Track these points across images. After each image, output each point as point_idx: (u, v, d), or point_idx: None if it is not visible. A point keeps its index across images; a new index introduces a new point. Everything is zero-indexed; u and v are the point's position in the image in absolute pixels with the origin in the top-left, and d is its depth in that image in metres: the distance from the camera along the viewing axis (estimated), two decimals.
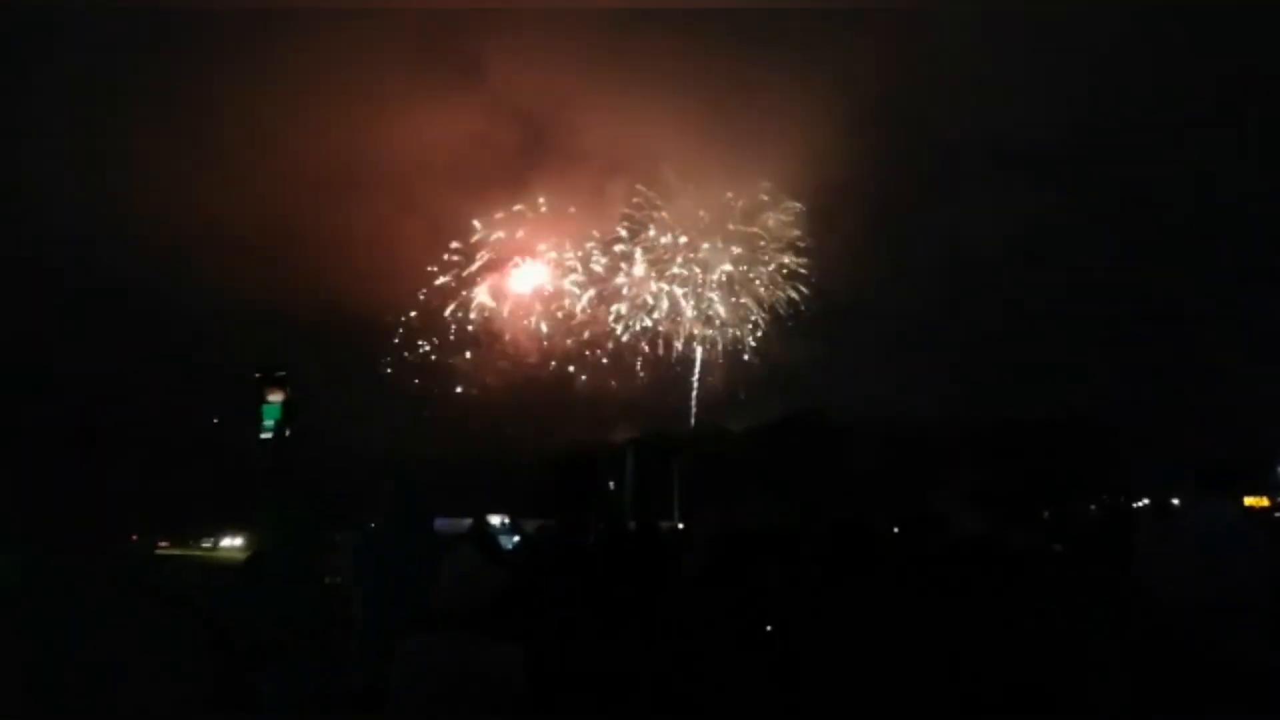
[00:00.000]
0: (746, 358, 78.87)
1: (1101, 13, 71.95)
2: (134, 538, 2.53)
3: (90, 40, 68.03)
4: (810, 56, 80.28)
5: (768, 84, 78.80)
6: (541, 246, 78.13)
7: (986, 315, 73.73)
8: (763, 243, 77.39)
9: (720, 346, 78.94)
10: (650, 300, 78.48)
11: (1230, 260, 68.90)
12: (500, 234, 77.00)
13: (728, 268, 77.95)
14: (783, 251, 77.29)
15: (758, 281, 77.95)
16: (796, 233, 76.62)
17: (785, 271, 77.51)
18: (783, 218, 76.38)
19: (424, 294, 77.32)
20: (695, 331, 78.63)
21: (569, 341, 78.92)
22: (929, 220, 79.77)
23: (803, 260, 77.13)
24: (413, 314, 76.98)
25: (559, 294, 78.72)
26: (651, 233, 78.08)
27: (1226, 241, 69.24)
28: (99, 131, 69.94)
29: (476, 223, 76.27)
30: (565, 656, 3.32)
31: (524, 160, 79.11)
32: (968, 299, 76.42)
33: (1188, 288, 69.26)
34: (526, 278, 78.46)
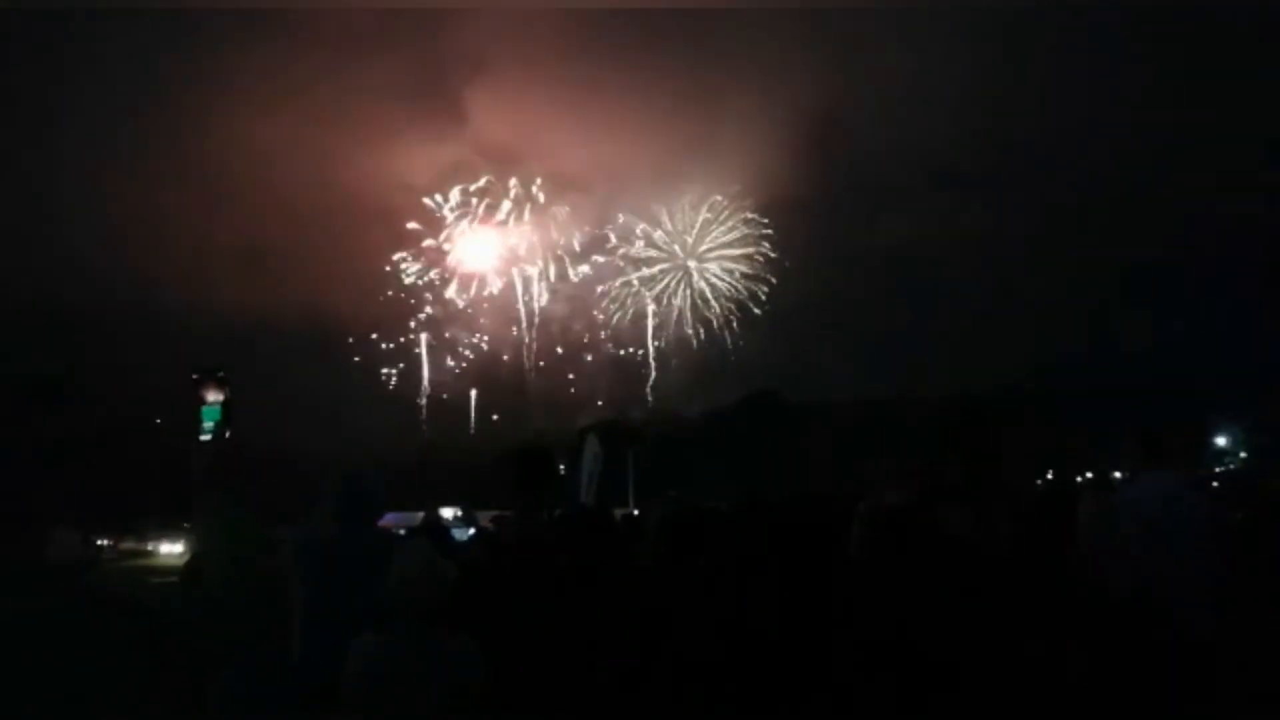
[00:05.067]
0: (698, 347, 79.65)
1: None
2: (81, 539, 2.46)
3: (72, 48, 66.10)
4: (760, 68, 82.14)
5: (720, 100, 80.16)
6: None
7: (936, 299, 75.54)
8: (719, 244, 78.43)
9: (677, 336, 79.61)
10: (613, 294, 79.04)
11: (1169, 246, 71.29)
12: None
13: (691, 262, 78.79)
14: (738, 252, 78.38)
15: (715, 278, 78.96)
16: (751, 234, 77.76)
17: (741, 270, 78.56)
18: (738, 221, 77.55)
19: (384, 297, 77.08)
20: (655, 323, 79.37)
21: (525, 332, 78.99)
22: (876, 224, 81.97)
23: (756, 259, 78.25)
24: (386, 294, 76.85)
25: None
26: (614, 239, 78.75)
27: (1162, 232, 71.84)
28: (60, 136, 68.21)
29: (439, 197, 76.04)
30: (524, 649, 3.29)
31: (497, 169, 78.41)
32: (914, 288, 78.36)
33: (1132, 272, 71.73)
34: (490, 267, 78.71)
